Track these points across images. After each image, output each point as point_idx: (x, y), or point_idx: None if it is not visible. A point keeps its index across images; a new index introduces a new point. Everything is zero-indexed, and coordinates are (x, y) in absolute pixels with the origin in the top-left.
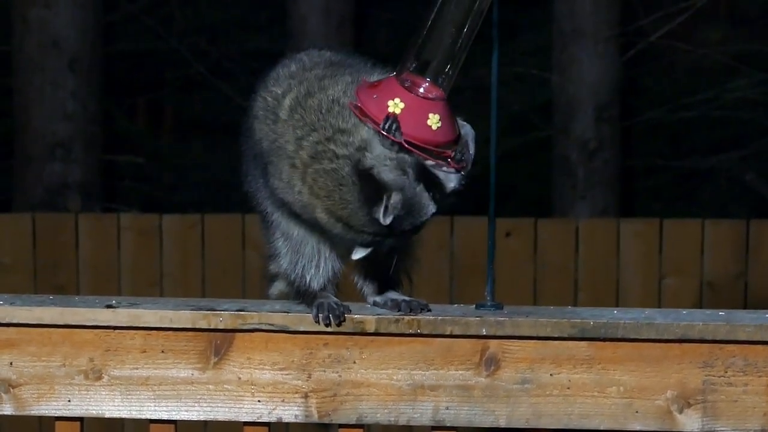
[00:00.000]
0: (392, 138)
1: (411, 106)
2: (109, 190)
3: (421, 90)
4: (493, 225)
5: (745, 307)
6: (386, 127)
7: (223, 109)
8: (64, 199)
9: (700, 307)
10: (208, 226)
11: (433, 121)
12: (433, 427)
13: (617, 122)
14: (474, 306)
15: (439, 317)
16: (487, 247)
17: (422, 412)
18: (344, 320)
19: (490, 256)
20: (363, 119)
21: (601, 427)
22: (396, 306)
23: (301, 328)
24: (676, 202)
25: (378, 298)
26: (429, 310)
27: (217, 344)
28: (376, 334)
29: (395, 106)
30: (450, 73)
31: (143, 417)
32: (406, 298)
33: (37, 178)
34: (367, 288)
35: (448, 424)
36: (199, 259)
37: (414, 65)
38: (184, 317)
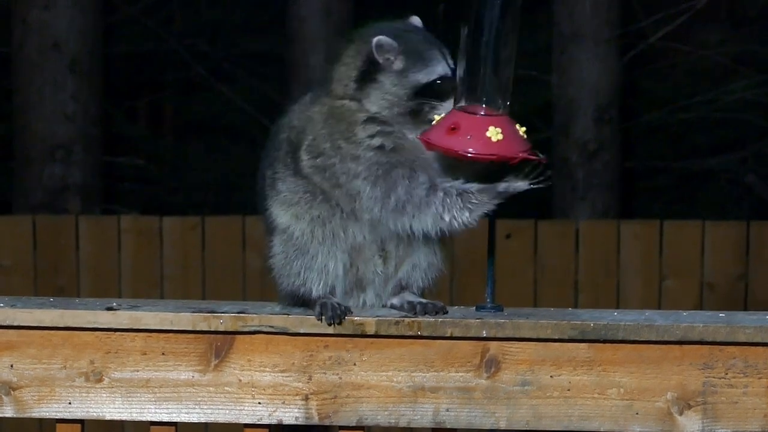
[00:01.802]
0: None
1: (468, 124)
2: (110, 192)
3: (482, 113)
4: (493, 226)
5: (745, 308)
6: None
7: (223, 111)
8: (64, 201)
9: (701, 309)
10: (208, 228)
11: (494, 133)
12: (434, 429)
13: (617, 124)
14: (474, 308)
15: (440, 319)
16: (487, 248)
17: (422, 414)
18: (344, 319)
19: (490, 257)
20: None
21: (602, 429)
22: (412, 308)
23: (302, 330)
24: (676, 203)
25: (394, 300)
26: (445, 312)
27: (218, 346)
28: (377, 336)
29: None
30: (505, 102)
31: (144, 419)
32: (422, 300)
33: (37, 179)
34: (383, 290)
35: (448, 426)
36: (199, 261)
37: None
38: (184, 319)
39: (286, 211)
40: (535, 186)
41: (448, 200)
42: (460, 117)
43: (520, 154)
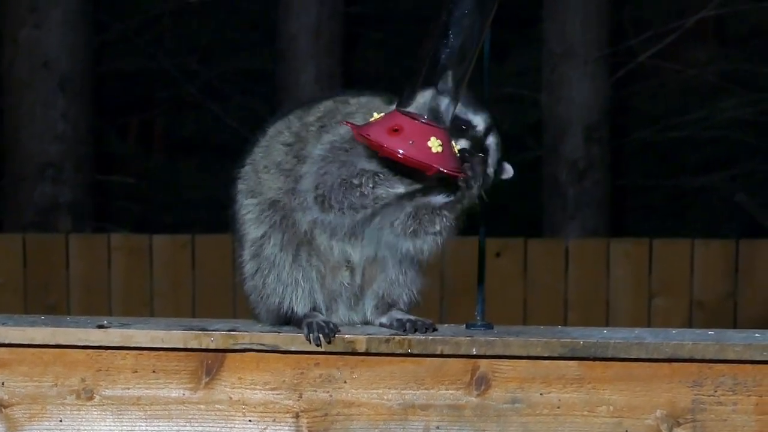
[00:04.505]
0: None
1: (411, 129)
2: (100, 210)
3: (422, 120)
4: (483, 245)
5: (734, 326)
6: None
7: (213, 129)
8: (54, 220)
9: (690, 327)
10: (198, 246)
11: (434, 144)
12: None
13: (607, 142)
14: (464, 326)
15: (430, 337)
16: (477, 267)
17: None
18: (334, 337)
19: (480, 276)
20: (360, 140)
21: None
22: (401, 326)
23: (293, 348)
24: (666, 221)
25: (383, 319)
26: (435, 329)
27: (209, 364)
28: (367, 354)
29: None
30: (446, 119)
31: None
32: (411, 318)
33: (27, 198)
34: (371, 309)
35: None
36: (189, 279)
37: (413, 104)
38: (175, 337)
39: (250, 204)
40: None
41: (363, 171)
42: (403, 120)
43: (446, 170)
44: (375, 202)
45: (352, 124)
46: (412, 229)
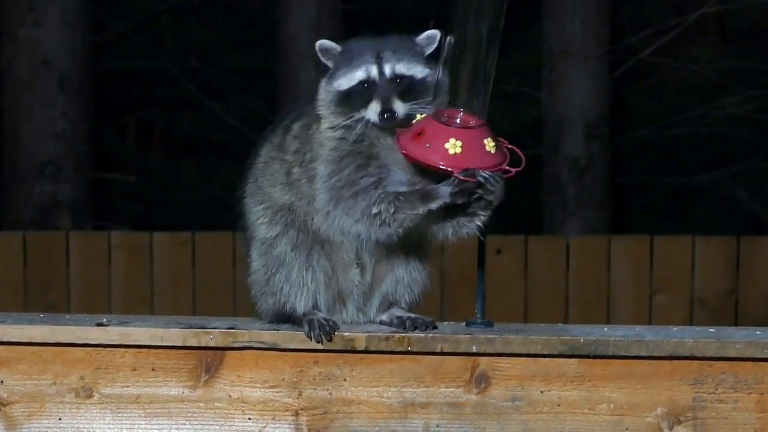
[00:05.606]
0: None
1: (431, 132)
2: (100, 209)
3: (458, 120)
4: (483, 242)
5: (735, 323)
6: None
7: (213, 128)
8: (54, 218)
9: (691, 324)
10: (198, 244)
11: (452, 145)
12: None
13: (607, 140)
14: (464, 323)
15: (430, 335)
16: (477, 264)
17: (413, 430)
18: (334, 334)
19: (480, 273)
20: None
21: None
22: (401, 323)
23: (292, 346)
24: (667, 219)
25: (383, 316)
26: (435, 327)
27: (208, 362)
28: (367, 351)
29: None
30: (482, 97)
31: None
32: (411, 315)
33: (27, 196)
34: (371, 307)
35: None
36: (189, 277)
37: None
38: (174, 335)
39: (260, 210)
40: (452, 201)
41: (383, 195)
42: (429, 124)
43: (447, 168)
44: (393, 221)
45: (399, 132)
46: (452, 230)
